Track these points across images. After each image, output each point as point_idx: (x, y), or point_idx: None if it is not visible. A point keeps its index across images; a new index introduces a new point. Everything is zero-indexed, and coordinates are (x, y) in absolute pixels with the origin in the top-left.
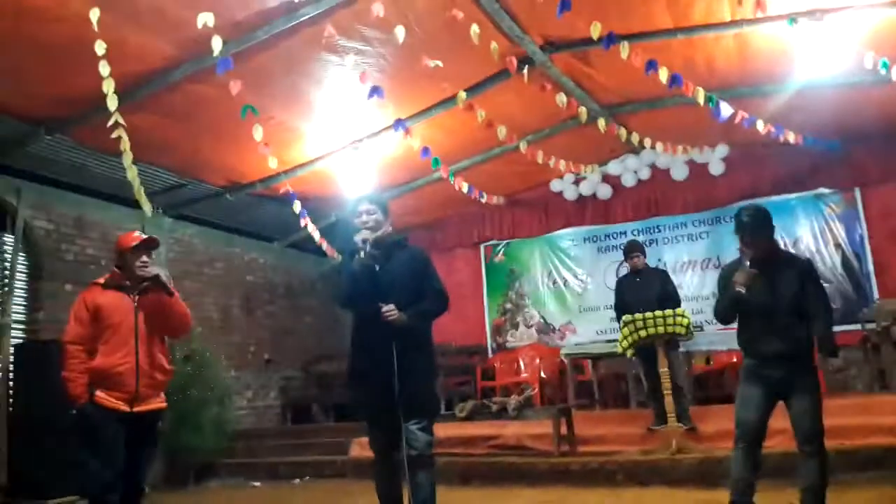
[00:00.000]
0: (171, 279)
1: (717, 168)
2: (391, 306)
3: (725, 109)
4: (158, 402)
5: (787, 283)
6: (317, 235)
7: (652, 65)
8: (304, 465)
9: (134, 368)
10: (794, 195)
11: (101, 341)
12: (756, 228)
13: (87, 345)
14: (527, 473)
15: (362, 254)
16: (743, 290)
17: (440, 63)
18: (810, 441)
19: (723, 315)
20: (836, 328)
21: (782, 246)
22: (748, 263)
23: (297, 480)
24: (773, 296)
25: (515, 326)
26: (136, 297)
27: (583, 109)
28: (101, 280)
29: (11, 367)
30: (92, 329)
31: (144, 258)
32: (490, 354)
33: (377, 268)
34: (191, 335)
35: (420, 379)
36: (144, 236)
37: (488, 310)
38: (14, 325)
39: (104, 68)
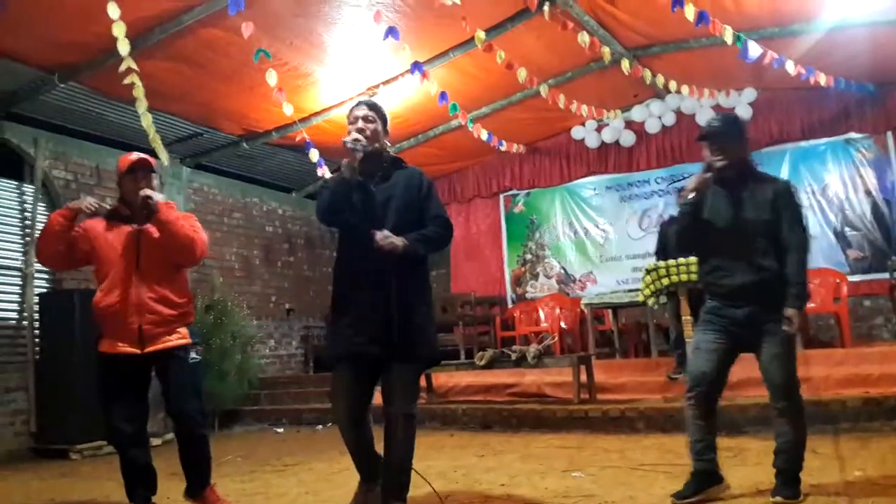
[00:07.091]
0: (171, 203)
1: (743, 112)
2: (386, 232)
3: (754, 50)
4: (176, 339)
5: (758, 205)
6: None
7: (678, 1)
8: (327, 412)
9: (132, 306)
10: (823, 140)
11: (100, 278)
12: (725, 133)
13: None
14: (546, 420)
15: (356, 155)
16: (691, 196)
17: (458, 0)
18: (781, 396)
19: (680, 237)
20: (866, 277)
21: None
22: (713, 176)
23: (320, 427)
24: (739, 218)
25: (535, 277)
26: (139, 228)
27: (606, 50)
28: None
29: (37, 317)
30: (82, 257)
31: (143, 182)
32: (510, 305)
33: (372, 187)
34: (213, 286)
35: (419, 316)
36: (141, 156)
37: (508, 260)
38: (37, 275)
39: (113, 10)
